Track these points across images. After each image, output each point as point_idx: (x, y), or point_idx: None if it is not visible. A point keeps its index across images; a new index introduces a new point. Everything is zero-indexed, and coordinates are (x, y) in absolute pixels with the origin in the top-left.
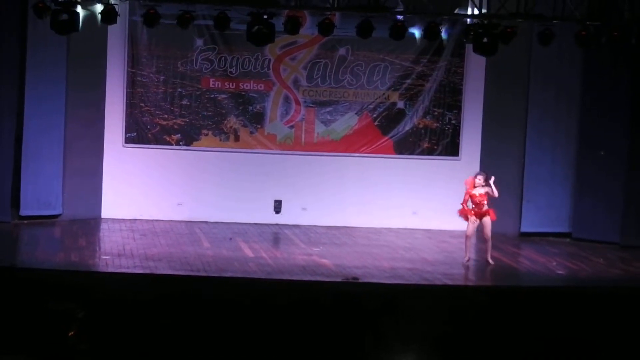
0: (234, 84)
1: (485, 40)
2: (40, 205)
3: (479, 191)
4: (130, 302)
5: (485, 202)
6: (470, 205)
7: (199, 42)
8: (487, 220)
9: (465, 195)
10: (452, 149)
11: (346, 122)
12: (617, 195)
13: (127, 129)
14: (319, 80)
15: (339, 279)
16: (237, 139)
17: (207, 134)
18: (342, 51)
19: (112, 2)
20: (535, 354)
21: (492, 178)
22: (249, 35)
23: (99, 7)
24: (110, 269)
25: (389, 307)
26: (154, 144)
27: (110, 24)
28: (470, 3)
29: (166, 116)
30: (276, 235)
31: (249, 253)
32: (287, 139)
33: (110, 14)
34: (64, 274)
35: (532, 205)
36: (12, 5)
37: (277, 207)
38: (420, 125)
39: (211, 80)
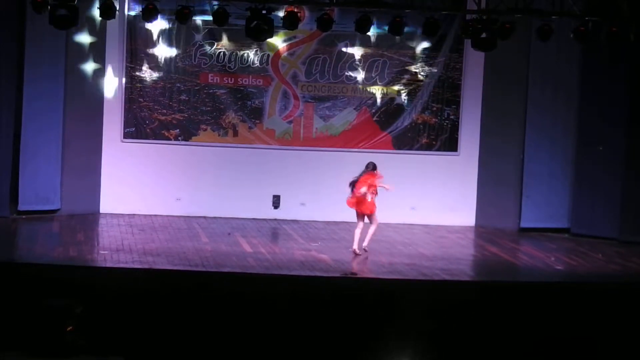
0: (233, 79)
1: (483, 35)
2: (38, 200)
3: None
4: (128, 297)
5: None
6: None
7: (198, 37)
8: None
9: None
10: (450, 145)
11: (345, 118)
12: (616, 191)
13: (126, 124)
14: (317, 75)
15: (337, 274)
16: (235, 134)
17: (205, 129)
18: (340, 46)
19: None
20: (533, 349)
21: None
22: (248, 31)
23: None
24: (108, 264)
25: (387, 302)
26: (153, 139)
27: (109, 19)
28: None
29: (165, 111)
30: (275, 230)
31: (247, 248)
32: (285, 134)
33: (108, 9)
34: (62, 269)
35: (531, 201)
36: (9, 1)
37: (276, 202)
38: (419, 121)
39: (210, 75)
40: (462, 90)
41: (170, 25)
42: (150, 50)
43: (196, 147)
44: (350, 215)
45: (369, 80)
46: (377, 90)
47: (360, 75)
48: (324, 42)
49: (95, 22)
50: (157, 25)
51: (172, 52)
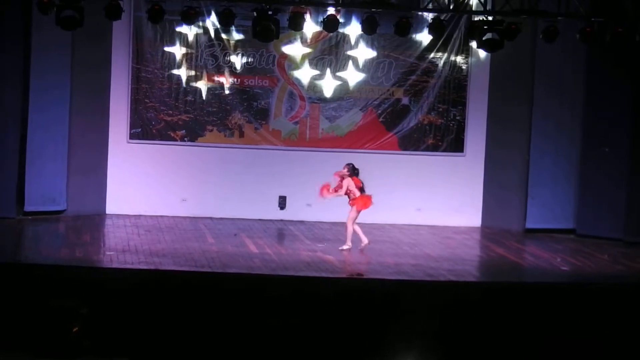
0: (239, 80)
1: (489, 36)
2: (44, 201)
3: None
4: (134, 298)
5: (351, 192)
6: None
7: (204, 38)
8: (352, 208)
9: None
10: (456, 145)
11: (351, 119)
12: (621, 192)
13: (132, 125)
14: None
15: (343, 275)
16: (241, 135)
17: (211, 130)
18: (346, 47)
19: None
20: (539, 350)
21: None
22: (254, 32)
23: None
24: (114, 265)
25: (393, 303)
26: (159, 140)
27: (115, 20)
28: None
29: (171, 112)
30: (281, 231)
31: (253, 249)
32: (291, 135)
33: (114, 10)
34: (68, 270)
35: (537, 202)
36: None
37: (282, 203)
38: (425, 122)
39: (216, 76)
40: (468, 91)
41: (176, 26)
42: (156, 51)
43: (202, 148)
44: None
45: (375, 81)
46: (383, 91)
47: (366, 76)
48: (330, 43)
49: (102, 24)
50: (163, 26)
51: (178, 53)
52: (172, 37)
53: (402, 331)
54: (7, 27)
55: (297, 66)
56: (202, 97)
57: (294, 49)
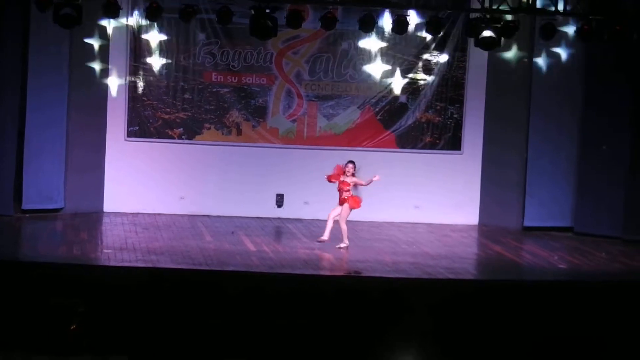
0: (237, 78)
1: (487, 34)
2: (42, 199)
3: (344, 179)
4: (132, 296)
5: (347, 190)
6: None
7: (202, 36)
8: (344, 206)
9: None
10: (454, 143)
11: (348, 116)
12: (619, 190)
13: (130, 123)
14: (321, 74)
15: (341, 273)
16: (239, 132)
17: (209, 128)
18: (344, 45)
19: None
20: (537, 348)
21: (377, 177)
22: (252, 29)
23: None
24: (112, 263)
25: (391, 301)
26: (156, 138)
27: (113, 17)
28: None
29: (168, 110)
30: (278, 229)
31: (251, 247)
32: (289, 133)
33: (112, 8)
34: (65, 268)
35: (535, 200)
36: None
37: (279, 200)
38: (423, 120)
39: (213, 74)
40: (466, 89)
41: (175, 24)
42: (154, 49)
43: (200, 145)
44: (351, 213)
45: (372, 79)
46: (381, 89)
47: (363, 74)
48: (328, 41)
49: (100, 22)
50: (161, 24)
51: (176, 51)
52: (170, 35)
53: (400, 329)
54: (6, 25)
55: (295, 64)
56: (199, 95)
57: (292, 47)
